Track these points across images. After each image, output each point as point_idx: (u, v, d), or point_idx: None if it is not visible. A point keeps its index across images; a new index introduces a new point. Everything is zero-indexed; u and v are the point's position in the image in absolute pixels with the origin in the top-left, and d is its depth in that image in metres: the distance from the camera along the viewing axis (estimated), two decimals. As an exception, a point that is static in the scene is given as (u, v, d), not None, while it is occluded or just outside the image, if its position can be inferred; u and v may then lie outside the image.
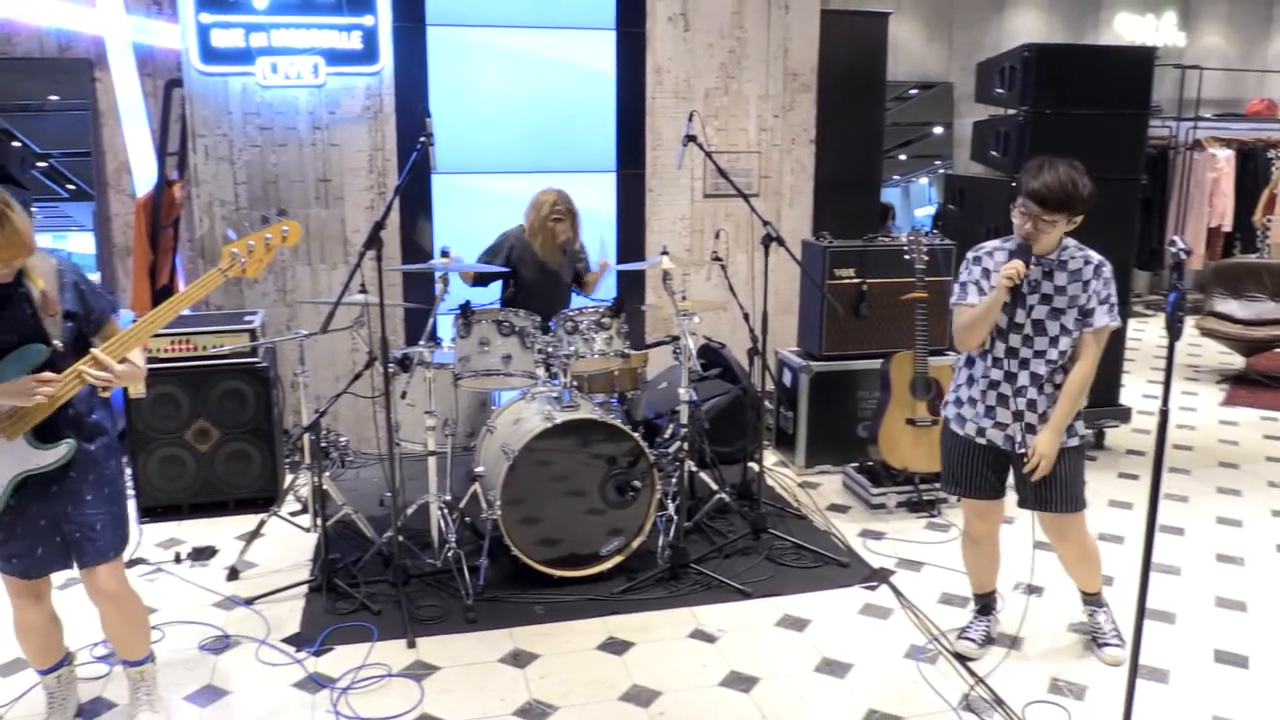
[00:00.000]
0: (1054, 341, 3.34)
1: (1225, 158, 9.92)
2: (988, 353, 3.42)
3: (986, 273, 3.39)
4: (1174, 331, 2.82)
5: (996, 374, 3.41)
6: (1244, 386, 7.62)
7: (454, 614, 3.92)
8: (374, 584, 4.10)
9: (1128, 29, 10.26)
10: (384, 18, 5.53)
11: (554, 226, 4.83)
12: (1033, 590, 4.18)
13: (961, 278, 3.44)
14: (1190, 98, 10.17)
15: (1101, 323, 3.33)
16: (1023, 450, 3.41)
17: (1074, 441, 3.45)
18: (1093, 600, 3.78)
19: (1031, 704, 3.39)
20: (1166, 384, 2.90)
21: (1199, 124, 10.15)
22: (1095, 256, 3.37)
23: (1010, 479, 3.57)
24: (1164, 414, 2.86)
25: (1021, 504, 3.55)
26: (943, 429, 3.66)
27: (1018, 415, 3.41)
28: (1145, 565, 2.86)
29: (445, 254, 4.48)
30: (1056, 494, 3.46)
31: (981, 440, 3.48)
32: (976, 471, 3.54)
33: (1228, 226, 10.01)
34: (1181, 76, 10.16)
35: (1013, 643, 3.79)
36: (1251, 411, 6.99)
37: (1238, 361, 8.00)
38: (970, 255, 3.47)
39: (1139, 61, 5.77)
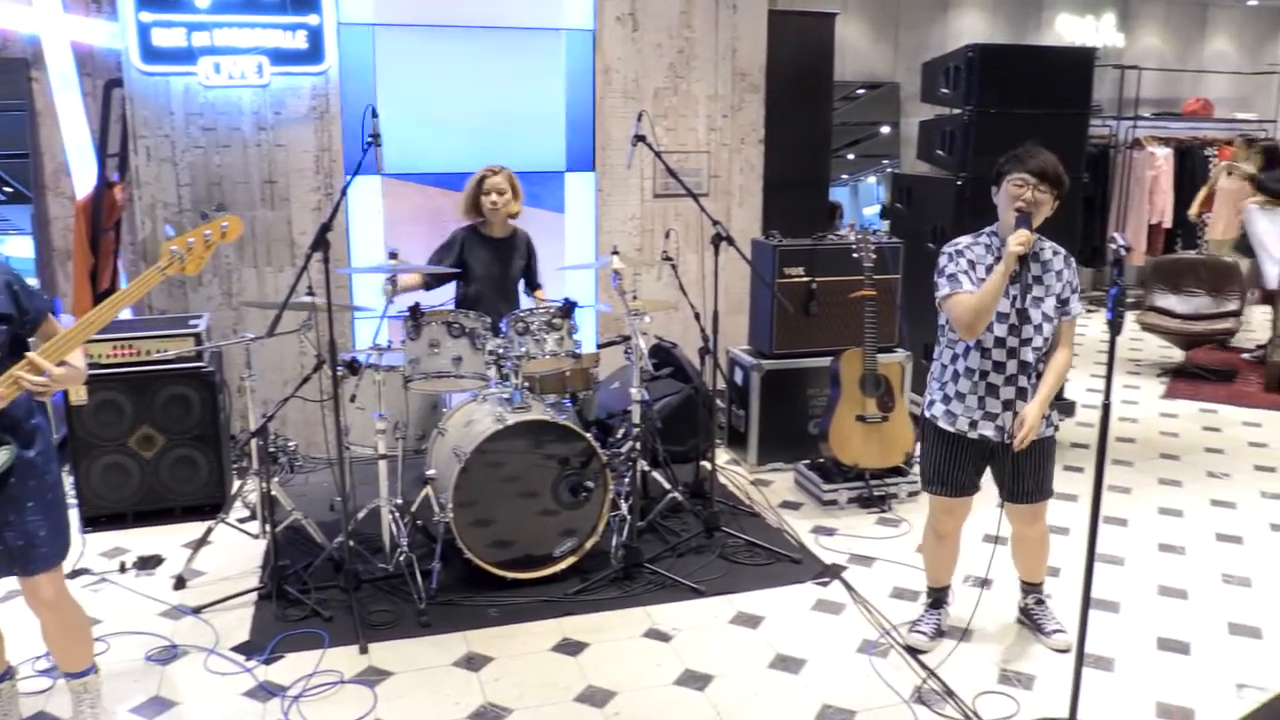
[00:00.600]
0: (1038, 329, 3.41)
1: (1164, 156, 10.14)
2: (978, 343, 3.44)
3: (972, 264, 3.44)
4: (1115, 326, 2.88)
5: (985, 364, 3.44)
6: (1184, 379, 7.79)
7: (407, 618, 3.89)
8: (325, 590, 4.05)
9: (1068, 30, 10.45)
10: (329, 17, 5.47)
11: (488, 195, 4.75)
12: (983, 583, 4.24)
13: (948, 270, 3.44)
14: (1129, 97, 10.38)
15: (1077, 310, 3.46)
16: (1010, 440, 3.44)
17: (1050, 431, 3.54)
18: (1036, 589, 3.86)
19: (982, 695, 3.44)
20: (1108, 378, 2.96)
21: (1138, 123, 10.37)
22: (1060, 248, 3.47)
23: (989, 472, 3.63)
24: (1106, 407, 2.92)
25: (1022, 500, 3.58)
26: (925, 429, 3.66)
27: (1008, 405, 3.45)
28: (1090, 556, 2.92)
29: (394, 255, 4.44)
30: (1036, 483, 3.57)
31: (974, 435, 3.50)
32: (962, 469, 3.58)
33: (1168, 223, 10.24)
34: (1121, 76, 10.36)
35: (963, 635, 3.84)
36: (1191, 404, 7.14)
37: (1177, 355, 8.18)
38: (949, 250, 3.49)
39: (1079, 62, 5.89)
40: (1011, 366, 3.42)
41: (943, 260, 3.48)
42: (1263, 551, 4.64)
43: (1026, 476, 3.53)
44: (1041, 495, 3.59)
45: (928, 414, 3.63)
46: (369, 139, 3.95)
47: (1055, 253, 3.45)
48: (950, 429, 3.53)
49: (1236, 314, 7.80)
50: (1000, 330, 3.40)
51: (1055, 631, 3.76)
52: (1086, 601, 3.02)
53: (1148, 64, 10.59)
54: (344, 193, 4.23)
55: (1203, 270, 8.09)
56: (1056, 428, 3.60)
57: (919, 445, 3.76)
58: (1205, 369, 7.95)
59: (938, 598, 3.86)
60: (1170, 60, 11.00)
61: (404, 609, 3.96)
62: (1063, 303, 3.43)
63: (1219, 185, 9.37)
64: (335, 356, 3.89)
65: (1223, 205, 9.32)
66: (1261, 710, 3.34)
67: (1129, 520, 4.97)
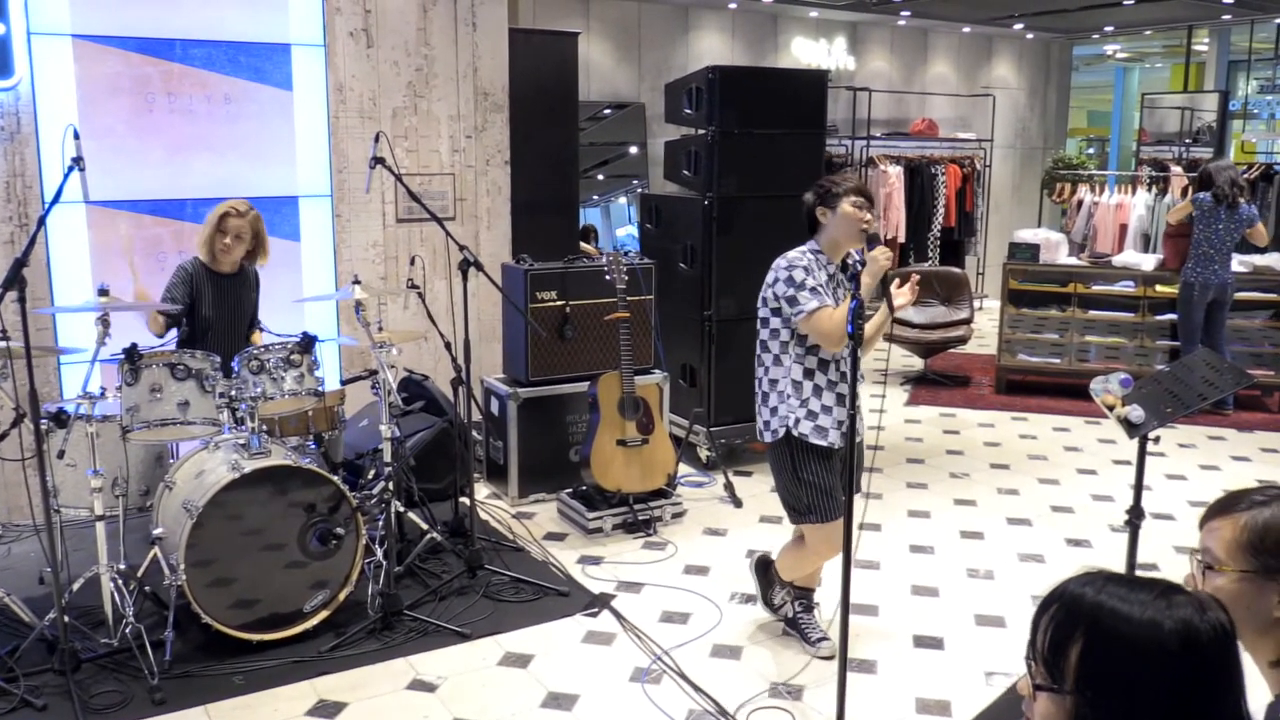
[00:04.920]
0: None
1: (896, 173, 10.98)
2: (832, 356, 3.66)
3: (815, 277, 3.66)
4: (856, 339, 3.09)
5: (834, 375, 3.68)
6: (924, 386, 8.46)
7: (137, 697, 3.62)
8: (36, 675, 3.70)
9: (803, 52, 11.15)
10: (17, 26, 5.05)
11: (223, 236, 4.56)
12: (748, 599, 4.42)
13: (808, 284, 3.60)
14: (862, 118, 11.19)
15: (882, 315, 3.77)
16: (859, 439, 3.69)
17: (858, 436, 3.82)
18: (808, 595, 4.10)
19: (754, 710, 3.58)
20: (852, 388, 3.18)
21: (871, 143, 11.19)
22: None
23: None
24: (852, 418, 3.13)
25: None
26: (793, 453, 3.70)
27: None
28: (846, 562, 3.11)
29: (104, 292, 4.15)
30: (860, 477, 3.84)
31: (839, 445, 3.67)
32: (835, 489, 3.70)
33: (902, 238, 11.08)
34: (853, 98, 11.17)
35: (732, 652, 3.99)
36: (932, 409, 7.76)
37: (918, 363, 8.87)
38: (799, 265, 3.65)
39: (814, 84, 6.31)
40: (848, 374, 3.65)
41: (799, 274, 3.63)
42: (1001, 545, 5.10)
43: (856, 471, 3.75)
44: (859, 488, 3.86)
45: (795, 433, 3.68)
46: (71, 162, 3.69)
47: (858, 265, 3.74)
48: (824, 443, 3.67)
49: (968, 321, 8.55)
50: None
51: (820, 640, 3.98)
52: (846, 607, 3.21)
53: (877, 86, 11.46)
54: (41, 223, 3.91)
55: (936, 282, 8.82)
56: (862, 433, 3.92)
57: (782, 476, 3.79)
58: (943, 375, 8.66)
59: (809, 602, 4.08)
60: (897, 83, 11.95)
61: (134, 687, 3.67)
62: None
63: None
64: (37, 408, 3.58)
65: None
66: (1007, 694, 3.66)
67: (882, 525, 5.33)
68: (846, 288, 3.74)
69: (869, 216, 3.62)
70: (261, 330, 4.89)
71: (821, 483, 3.70)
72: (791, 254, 3.72)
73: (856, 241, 3.63)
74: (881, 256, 3.53)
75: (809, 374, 3.71)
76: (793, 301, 3.62)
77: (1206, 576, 1.68)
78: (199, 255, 4.63)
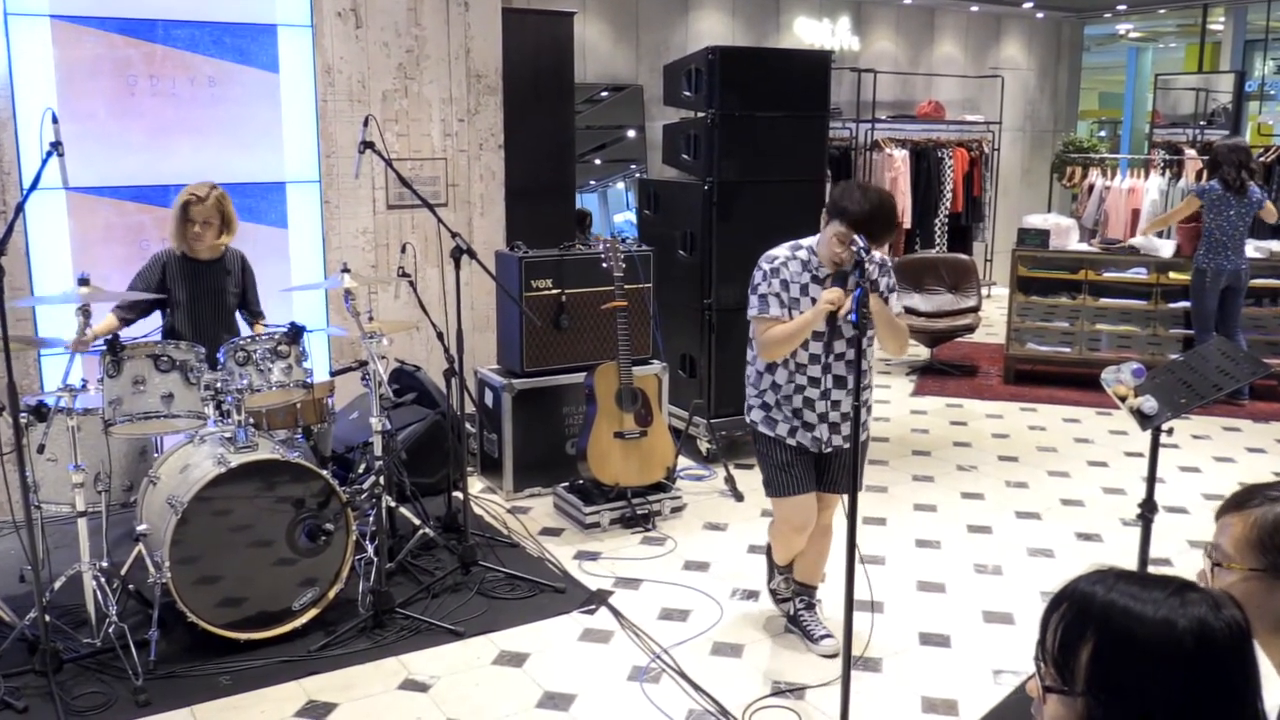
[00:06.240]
0: (850, 343, 3.65)
1: (901, 157, 10.96)
2: (794, 356, 3.66)
3: (786, 284, 3.64)
4: (861, 327, 3.09)
5: (801, 379, 3.69)
6: (931, 376, 8.45)
7: (121, 699, 3.62)
8: (17, 676, 3.69)
9: (806, 33, 11.11)
10: (-8, 8, 5.04)
11: (192, 224, 4.53)
12: (749, 596, 4.43)
13: (760, 289, 3.64)
14: (866, 100, 11.16)
15: (896, 309, 3.76)
16: (830, 450, 3.74)
17: (864, 435, 3.80)
18: (809, 592, 4.11)
19: (756, 710, 3.58)
20: (856, 379, 3.17)
21: (876, 125, 11.16)
22: (877, 257, 3.71)
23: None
24: (856, 409, 3.12)
25: (829, 490, 3.86)
26: (753, 435, 3.88)
27: (823, 417, 3.70)
28: (850, 557, 3.10)
29: (85, 282, 4.14)
30: (860, 479, 3.80)
31: (792, 441, 3.74)
32: (793, 465, 3.77)
33: (908, 224, 11.06)
34: (858, 80, 11.13)
35: (733, 651, 3.99)
36: (938, 399, 7.76)
37: (924, 353, 8.85)
38: (765, 266, 3.67)
39: (817, 65, 6.28)
40: (827, 381, 3.68)
41: (757, 275, 3.68)
42: (1010, 539, 5.10)
43: (857, 469, 3.77)
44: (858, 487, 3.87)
45: (747, 419, 3.87)
46: (49, 147, 3.67)
47: (871, 264, 3.67)
48: (770, 434, 3.77)
49: (975, 309, 8.54)
50: (815, 347, 3.65)
51: (823, 637, 3.98)
52: (850, 604, 3.21)
53: (882, 67, 11.43)
54: (20, 210, 3.90)
55: (943, 269, 8.80)
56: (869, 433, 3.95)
57: (757, 457, 3.94)
58: (949, 365, 8.66)
59: (811, 599, 4.09)
60: (903, 64, 11.92)
61: (117, 688, 3.67)
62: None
63: None
64: (17, 401, 3.58)
65: None
66: (1015, 693, 3.66)
67: (887, 519, 5.33)
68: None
69: (845, 255, 3.50)
70: (263, 318, 4.87)
71: (776, 459, 3.80)
72: (771, 252, 3.75)
73: (829, 267, 3.61)
74: (825, 299, 3.42)
75: (770, 368, 3.77)
76: (747, 303, 3.72)
77: (1216, 574, 1.67)
78: (172, 245, 4.63)
